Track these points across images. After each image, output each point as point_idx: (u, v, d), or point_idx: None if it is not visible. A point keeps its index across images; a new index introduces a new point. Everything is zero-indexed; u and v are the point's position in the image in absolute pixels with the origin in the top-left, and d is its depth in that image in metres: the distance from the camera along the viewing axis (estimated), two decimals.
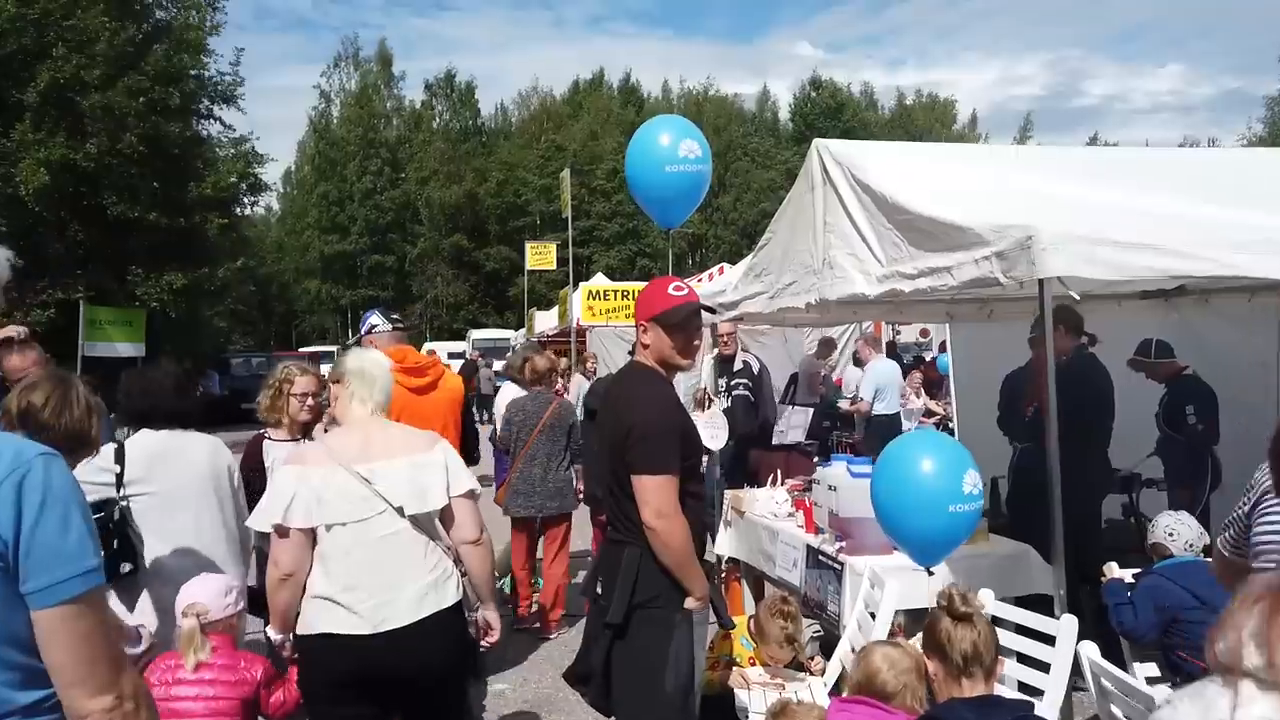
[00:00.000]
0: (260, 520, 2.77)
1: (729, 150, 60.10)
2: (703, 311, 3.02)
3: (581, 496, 6.32)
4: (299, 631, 2.77)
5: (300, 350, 44.50)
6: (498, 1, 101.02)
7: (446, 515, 2.85)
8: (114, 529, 3.19)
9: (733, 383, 6.80)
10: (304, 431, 4.18)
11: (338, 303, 55.66)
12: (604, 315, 13.45)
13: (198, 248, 21.36)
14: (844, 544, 4.20)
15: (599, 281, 14.36)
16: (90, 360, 17.34)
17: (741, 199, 58.75)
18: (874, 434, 9.31)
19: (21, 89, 18.10)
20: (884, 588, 3.47)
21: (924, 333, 17.81)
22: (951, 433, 10.66)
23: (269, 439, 4.17)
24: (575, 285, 14.19)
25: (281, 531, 2.71)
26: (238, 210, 24.18)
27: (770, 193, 58.54)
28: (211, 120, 23.34)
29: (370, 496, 2.71)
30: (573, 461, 6.12)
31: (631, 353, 5.58)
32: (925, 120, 67.03)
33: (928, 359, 15.54)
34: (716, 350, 6.96)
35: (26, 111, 18.04)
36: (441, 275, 54.82)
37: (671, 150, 5.04)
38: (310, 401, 4.07)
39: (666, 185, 5.07)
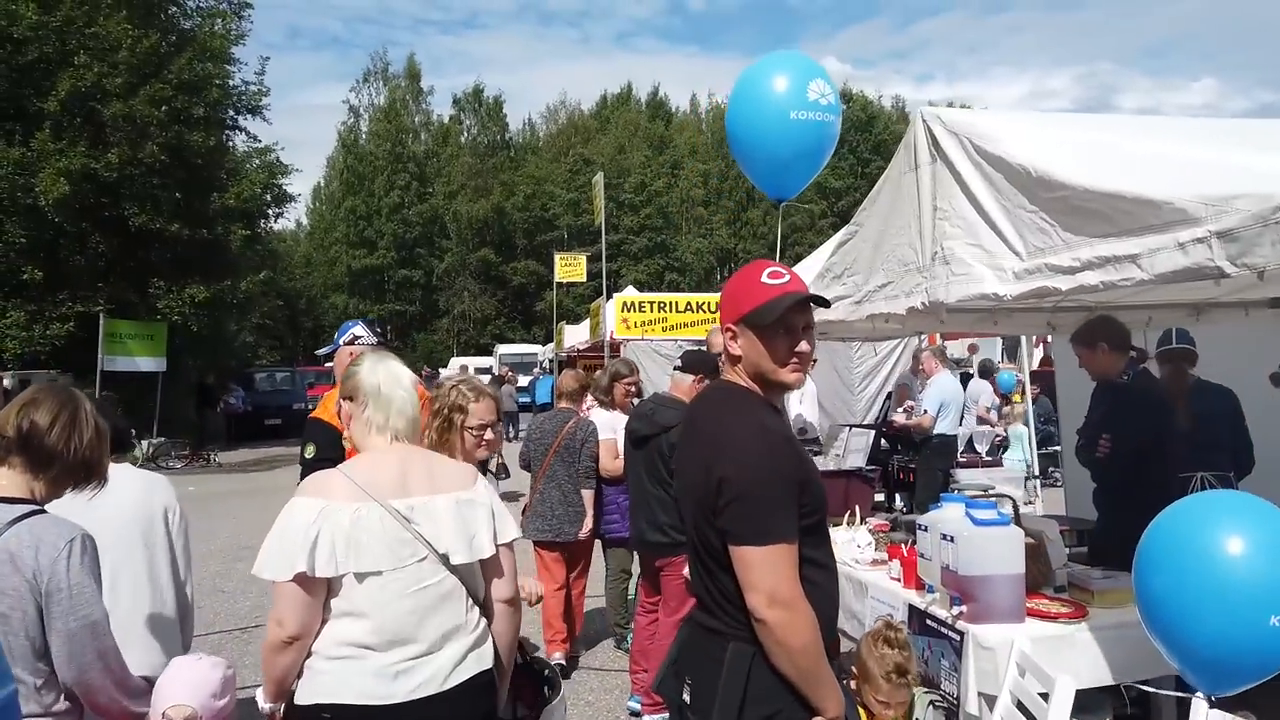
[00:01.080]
0: (277, 567, 2.14)
1: None
2: (814, 306, 2.16)
3: (586, 529, 5.64)
4: (302, 700, 2.19)
5: (327, 365, 44.17)
6: (524, 19, 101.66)
7: (488, 566, 2.38)
8: None
9: None
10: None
11: (365, 317, 55.44)
12: (639, 329, 12.64)
13: (220, 260, 20.88)
14: (964, 608, 3.35)
15: (633, 293, 13.54)
16: (109, 375, 16.88)
17: (771, 213, 57.91)
18: (932, 454, 8.43)
19: (43, 98, 17.73)
20: (1055, 686, 2.60)
21: (972, 348, 16.81)
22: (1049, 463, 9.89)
23: None
24: (608, 296, 13.40)
25: (303, 581, 2.13)
26: (262, 222, 23.71)
27: (800, 206, 57.85)
28: (236, 131, 22.95)
29: (411, 540, 2.22)
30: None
31: (687, 368, 5.01)
32: None
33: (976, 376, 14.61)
34: None
35: (47, 120, 17.65)
36: (468, 290, 54.53)
37: (797, 93, 4.08)
38: (489, 435, 3.13)
39: (789, 139, 4.09)
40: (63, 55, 17.71)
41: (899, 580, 3.97)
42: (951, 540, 3.38)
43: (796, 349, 2.12)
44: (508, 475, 14.60)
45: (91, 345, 16.86)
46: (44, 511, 2.15)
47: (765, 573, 1.93)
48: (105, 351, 17.11)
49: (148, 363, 18.41)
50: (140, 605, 2.76)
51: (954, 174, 3.42)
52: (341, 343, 4.21)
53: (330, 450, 3.61)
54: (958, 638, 3.33)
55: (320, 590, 2.16)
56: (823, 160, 4.29)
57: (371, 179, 55.02)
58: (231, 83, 21.74)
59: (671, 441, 4.37)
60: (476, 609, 2.34)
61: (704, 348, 6.04)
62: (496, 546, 2.36)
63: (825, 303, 2.24)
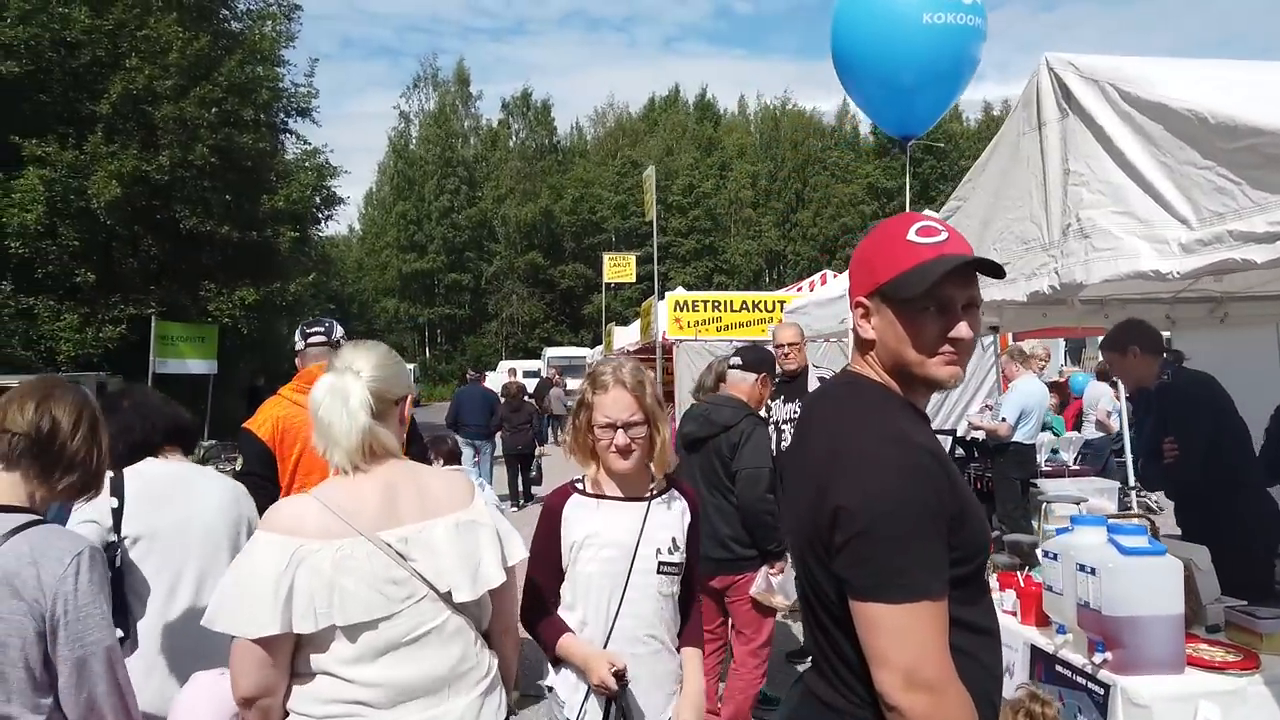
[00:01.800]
0: (236, 620, 1.76)
1: (808, 164, 58.91)
2: (979, 274, 1.59)
3: None
4: None
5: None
6: (572, 25, 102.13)
7: (495, 595, 2.03)
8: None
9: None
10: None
11: (415, 321, 55.92)
12: (692, 329, 12.09)
13: (270, 262, 20.84)
14: (1108, 655, 2.75)
15: (686, 292, 13.01)
16: (160, 377, 16.83)
17: (821, 214, 57.21)
18: (1008, 464, 7.74)
19: (95, 100, 17.80)
20: None
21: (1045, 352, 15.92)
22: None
23: (581, 493, 2.51)
24: (660, 294, 12.87)
25: (270, 642, 1.76)
26: (312, 226, 23.70)
27: (851, 207, 56.90)
28: (286, 134, 22.94)
29: (406, 579, 1.85)
30: None
31: (747, 366, 4.55)
32: None
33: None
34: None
35: (99, 123, 17.72)
36: (517, 293, 54.64)
37: None
38: (620, 439, 2.38)
39: (921, 52, 3.22)
40: (114, 58, 17.76)
41: (1014, 614, 3.38)
42: (1092, 573, 2.79)
43: (952, 333, 1.55)
44: (539, 483, 13.62)
45: (143, 348, 16.82)
46: (43, 521, 1.87)
47: (900, 641, 1.39)
48: (157, 354, 17.08)
49: (199, 365, 18.37)
50: None
51: (1093, 129, 2.82)
52: (304, 345, 3.68)
53: (257, 465, 3.24)
54: (1101, 691, 2.75)
55: (288, 645, 1.79)
56: (964, 81, 3.44)
57: (421, 183, 55.46)
58: (281, 85, 21.73)
59: (733, 442, 3.90)
60: (486, 650, 2.01)
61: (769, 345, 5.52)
62: (505, 571, 2.01)
63: (997, 270, 1.62)
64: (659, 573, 2.41)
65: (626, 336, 18.31)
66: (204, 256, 20.03)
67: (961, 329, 1.55)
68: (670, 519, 2.47)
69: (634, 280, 21.44)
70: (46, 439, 1.89)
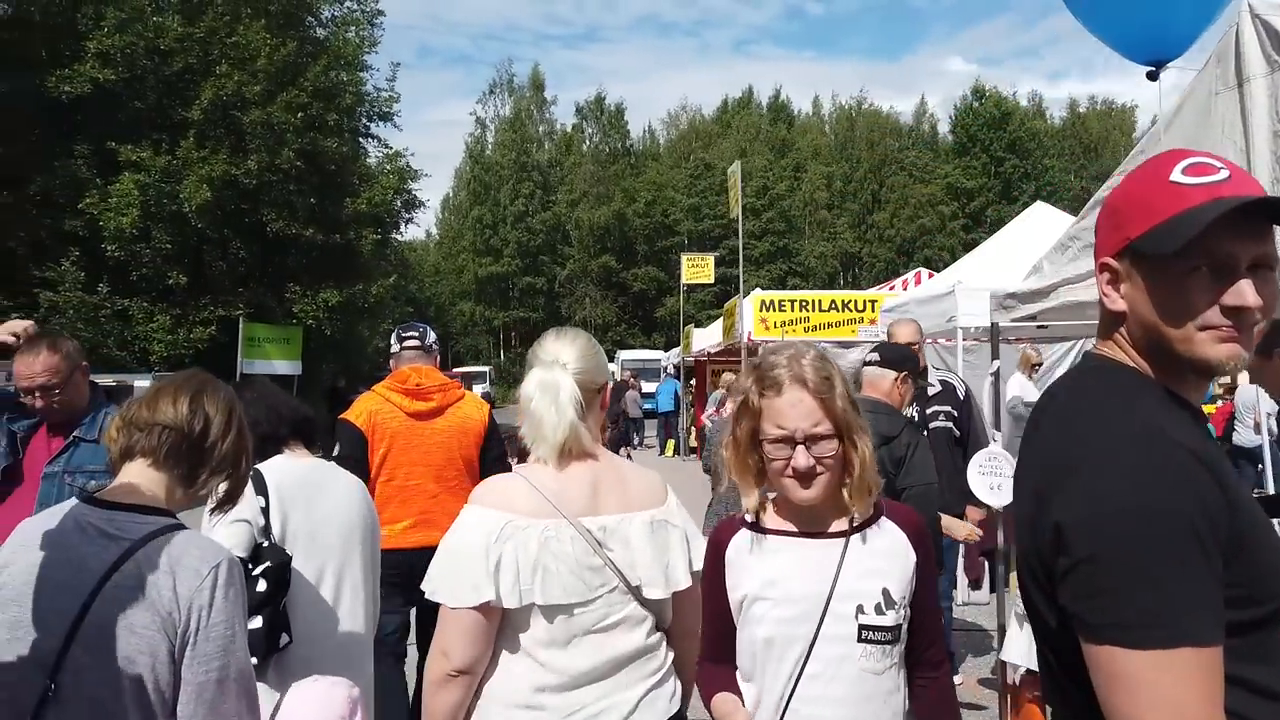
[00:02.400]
0: (455, 591, 1.80)
1: (884, 165, 57.76)
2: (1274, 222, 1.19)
3: None
4: None
5: (454, 370, 45.30)
6: (643, 30, 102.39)
7: (678, 598, 1.97)
8: (273, 584, 2.33)
9: (929, 410, 4.78)
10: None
11: (490, 324, 56.53)
12: (779, 329, 11.70)
13: (352, 264, 21.17)
14: None
15: (772, 291, 12.60)
16: (247, 378, 17.19)
17: (899, 215, 55.94)
18: None
19: (187, 107, 18.30)
20: None
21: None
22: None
23: (751, 527, 1.95)
24: (745, 294, 12.51)
25: (485, 610, 1.79)
26: (394, 232, 24.04)
27: (930, 208, 55.47)
28: (369, 139, 23.30)
29: (601, 568, 1.86)
30: None
31: (887, 363, 3.82)
32: (1101, 128, 62.27)
33: None
34: None
35: (191, 129, 18.21)
36: (590, 296, 54.79)
37: None
38: (802, 460, 1.82)
39: None
40: (205, 65, 18.26)
41: None
42: None
43: (1227, 299, 1.16)
44: None
45: (231, 349, 17.19)
46: (183, 527, 1.70)
47: (1148, 700, 1.03)
48: (244, 355, 17.44)
49: (284, 366, 18.71)
50: (356, 616, 2.57)
51: None
52: (399, 348, 3.90)
53: (353, 449, 3.52)
54: None
55: (496, 620, 1.82)
56: None
57: (497, 188, 56.07)
58: (363, 90, 22.08)
59: (896, 455, 3.32)
60: (664, 644, 1.98)
61: (887, 339, 5.09)
62: (690, 575, 1.94)
63: None
64: (860, 640, 1.75)
65: (706, 338, 17.97)
66: (289, 259, 20.43)
67: (1244, 293, 1.16)
68: (880, 563, 1.80)
69: (712, 281, 21.07)
70: (198, 436, 1.74)
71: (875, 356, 3.65)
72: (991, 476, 3.96)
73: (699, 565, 1.95)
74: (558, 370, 1.91)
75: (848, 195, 58.46)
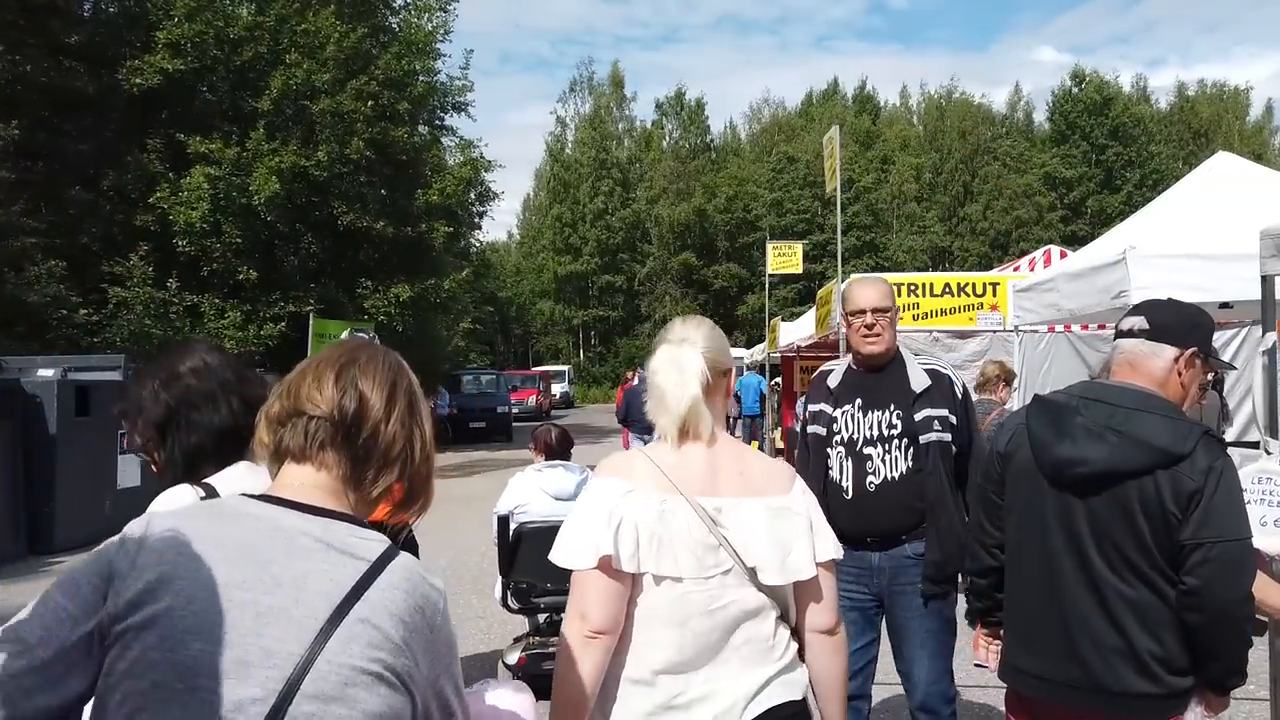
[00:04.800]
0: (579, 554, 1.84)
1: (976, 155, 55.48)
2: None
3: None
4: None
5: (533, 370, 44.90)
6: (723, 29, 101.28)
7: (802, 590, 1.95)
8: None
9: (917, 415, 3.14)
10: None
11: (570, 323, 56.29)
12: None
13: (424, 258, 20.54)
14: None
15: (877, 274, 11.19)
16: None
17: (992, 206, 53.50)
18: None
19: (257, 97, 17.90)
20: None
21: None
22: None
23: None
24: (844, 277, 11.14)
25: (608, 569, 1.82)
26: (473, 233, 23.41)
27: (1026, 199, 52.79)
28: (442, 130, 22.68)
29: (716, 547, 1.86)
30: None
31: (1158, 332, 2.21)
32: (1211, 112, 58.67)
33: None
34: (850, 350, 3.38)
35: (261, 120, 17.80)
36: (670, 294, 53.98)
37: None
38: None
39: None
40: (275, 54, 17.83)
41: None
42: None
43: None
44: None
45: (301, 345, 16.67)
46: (399, 550, 1.29)
47: None
48: (313, 351, 16.87)
49: None
50: None
51: None
52: None
53: None
54: None
55: (628, 583, 1.84)
56: None
57: (576, 186, 55.82)
58: (437, 78, 21.45)
59: (1184, 488, 1.99)
60: (787, 630, 1.95)
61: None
62: (816, 567, 1.92)
63: None
64: None
65: (795, 331, 16.63)
66: (361, 254, 19.91)
67: None
68: None
69: (800, 271, 19.65)
70: (353, 422, 1.32)
71: (1139, 322, 2.18)
72: (1271, 507, 2.61)
73: (825, 557, 1.95)
74: (686, 347, 1.97)
75: (937, 187, 56.25)
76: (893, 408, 3.13)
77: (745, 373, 23.05)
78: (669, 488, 1.87)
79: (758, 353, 24.87)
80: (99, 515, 9.59)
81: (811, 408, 3.33)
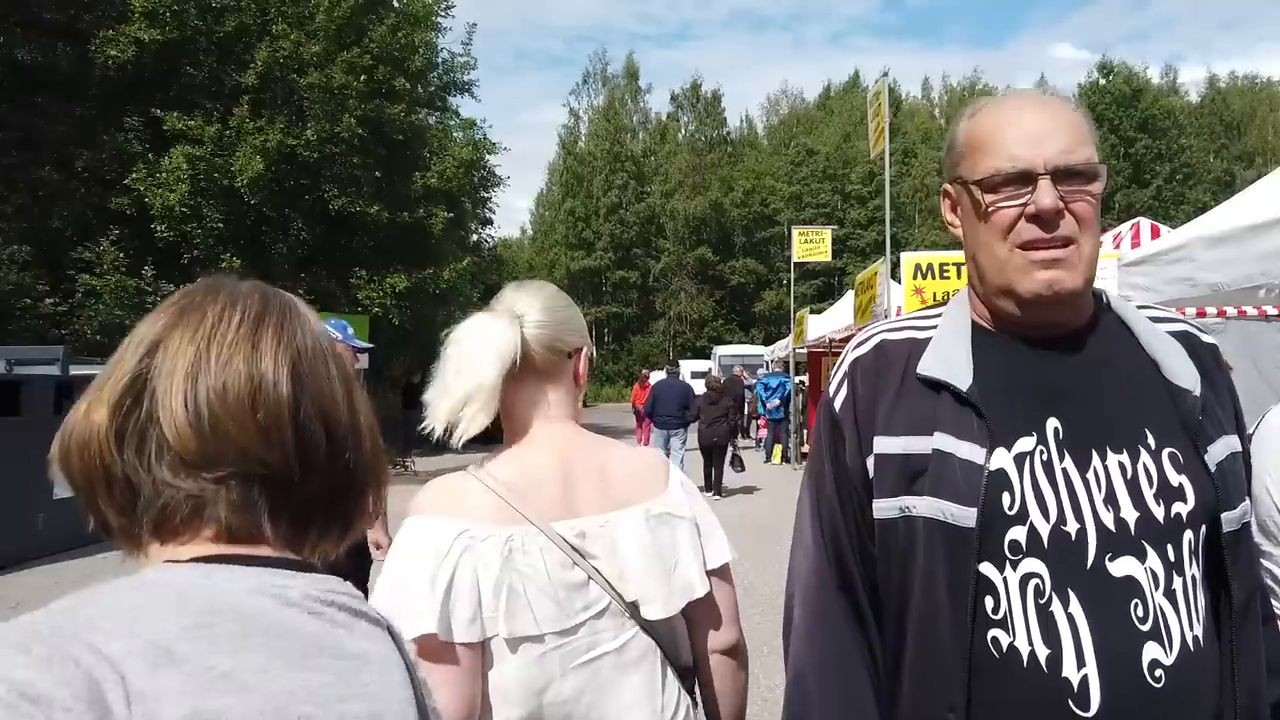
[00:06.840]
0: (412, 621, 1.36)
1: None
2: None
3: None
4: None
5: None
6: (737, 26, 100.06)
7: (695, 608, 1.53)
8: None
9: (1211, 455, 1.12)
10: None
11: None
12: (937, 300, 8.88)
13: (422, 246, 19.18)
14: None
15: (929, 253, 9.64)
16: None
17: None
18: None
19: (241, 71, 16.60)
20: None
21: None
22: None
23: None
24: (893, 260, 9.68)
25: (437, 648, 1.34)
26: (466, 210, 22.00)
27: None
28: (441, 110, 21.32)
29: (583, 584, 1.43)
30: None
31: None
32: (1244, 105, 57.19)
33: None
34: None
35: (245, 95, 16.49)
36: (685, 290, 52.73)
37: None
38: None
39: None
40: (262, 25, 16.54)
41: None
42: None
43: None
44: (743, 468, 14.08)
45: None
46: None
47: None
48: None
49: None
50: None
51: None
52: None
53: None
54: None
55: (477, 658, 1.38)
56: None
57: (590, 180, 54.65)
58: (437, 55, 20.09)
59: None
60: (676, 682, 1.52)
61: None
62: (709, 578, 1.53)
63: None
64: None
65: (825, 324, 15.17)
66: (354, 241, 18.59)
67: None
68: None
69: (829, 259, 18.22)
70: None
71: None
72: None
73: (717, 563, 1.57)
74: (503, 320, 1.51)
75: None
76: (1150, 437, 1.22)
77: (764, 372, 21.55)
78: (514, 518, 1.43)
79: (779, 349, 23.36)
80: (31, 531, 8.35)
81: (882, 444, 1.29)
